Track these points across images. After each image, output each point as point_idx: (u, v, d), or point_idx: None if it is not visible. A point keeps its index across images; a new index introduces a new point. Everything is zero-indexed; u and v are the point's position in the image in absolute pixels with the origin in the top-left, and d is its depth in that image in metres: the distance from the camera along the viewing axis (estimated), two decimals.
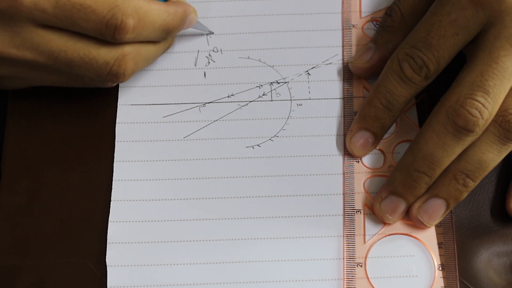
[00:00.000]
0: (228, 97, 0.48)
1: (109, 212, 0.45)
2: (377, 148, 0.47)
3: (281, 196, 0.46)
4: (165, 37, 0.46)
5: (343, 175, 0.46)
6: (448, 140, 0.42)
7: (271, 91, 0.48)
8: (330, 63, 0.49)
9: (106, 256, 0.44)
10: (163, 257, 0.44)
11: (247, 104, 0.48)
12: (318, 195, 0.45)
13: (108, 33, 0.42)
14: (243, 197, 0.46)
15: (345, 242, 0.44)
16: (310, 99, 0.48)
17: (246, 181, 0.46)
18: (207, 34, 0.50)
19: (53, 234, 0.45)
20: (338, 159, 0.46)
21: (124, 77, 0.45)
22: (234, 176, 0.46)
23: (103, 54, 0.44)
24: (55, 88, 0.47)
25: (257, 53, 0.50)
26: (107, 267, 0.44)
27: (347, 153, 0.46)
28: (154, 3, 0.44)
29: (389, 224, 0.44)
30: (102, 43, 0.43)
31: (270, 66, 0.49)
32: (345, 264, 0.44)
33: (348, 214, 0.45)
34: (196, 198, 0.46)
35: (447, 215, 0.44)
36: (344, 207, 0.45)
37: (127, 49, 0.44)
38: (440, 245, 0.44)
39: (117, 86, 0.48)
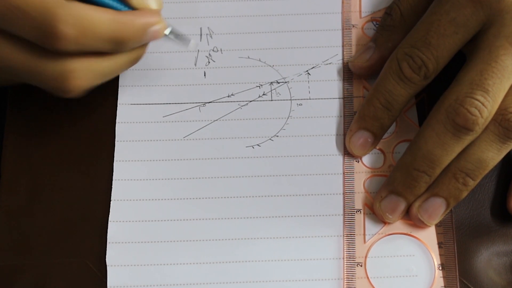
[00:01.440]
0: (228, 96, 0.48)
1: (109, 212, 0.45)
2: (377, 148, 0.46)
3: (281, 196, 0.45)
4: (119, 49, 0.42)
5: (343, 175, 0.46)
6: (447, 139, 0.42)
7: (271, 91, 0.48)
8: (330, 63, 0.49)
9: (106, 256, 0.44)
10: (163, 257, 0.44)
11: (247, 104, 0.48)
12: (318, 194, 0.45)
13: (45, 40, 0.39)
14: (243, 197, 0.45)
15: (345, 242, 0.44)
16: (310, 99, 0.48)
17: (246, 181, 0.46)
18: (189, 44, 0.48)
19: (53, 234, 0.45)
20: (338, 159, 0.46)
21: (74, 93, 0.42)
22: (234, 176, 0.46)
23: (50, 67, 0.41)
24: None
25: (257, 53, 0.50)
26: (107, 267, 0.44)
27: (347, 153, 0.46)
28: (103, 12, 0.41)
29: (389, 223, 0.44)
30: (49, 55, 0.40)
31: (270, 66, 0.49)
32: (345, 264, 0.44)
33: (348, 214, 0.45)
34: (196, 198, 0.46)
35: (447, 215, 0.44)
36: (344, 207, 0.45)
37: (76, 65, 0.41)
38: (440, 244, 0.44)
39: (117, 86, 0.48)
